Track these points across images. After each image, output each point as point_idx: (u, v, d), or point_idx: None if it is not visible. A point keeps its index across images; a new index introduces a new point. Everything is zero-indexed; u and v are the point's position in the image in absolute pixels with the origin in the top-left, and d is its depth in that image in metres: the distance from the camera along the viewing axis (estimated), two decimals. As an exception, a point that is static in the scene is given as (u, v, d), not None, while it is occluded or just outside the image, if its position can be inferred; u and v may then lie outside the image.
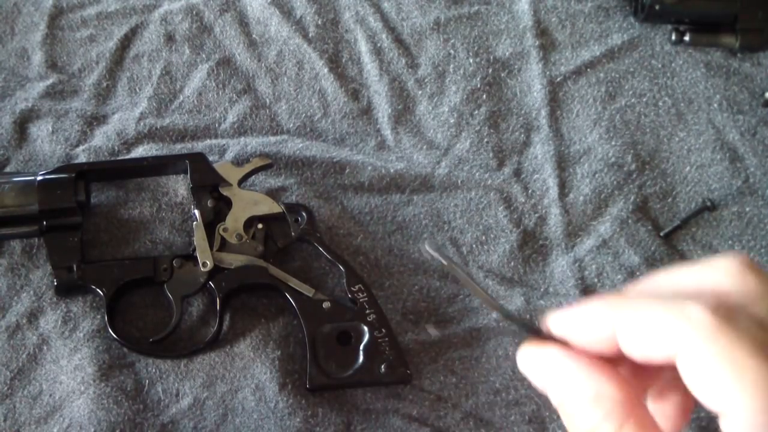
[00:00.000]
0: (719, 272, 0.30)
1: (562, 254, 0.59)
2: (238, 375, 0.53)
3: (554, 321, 0.31)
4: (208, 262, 0.52)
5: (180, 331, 0.53)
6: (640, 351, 0.29)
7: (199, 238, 0.53)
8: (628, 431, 0.28)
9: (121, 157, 0.58)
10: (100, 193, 0.57)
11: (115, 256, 0.55)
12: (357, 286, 0.53)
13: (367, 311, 0.52)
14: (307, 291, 0.53)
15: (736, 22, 0.66)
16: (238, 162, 0.57)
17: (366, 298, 0.52)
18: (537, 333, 0.31)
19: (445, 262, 0.31)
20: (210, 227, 0.53)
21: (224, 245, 0.53)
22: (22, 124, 0.59)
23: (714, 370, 0.27)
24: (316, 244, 0.54)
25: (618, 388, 0.29)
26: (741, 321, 0.27)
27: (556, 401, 0.30)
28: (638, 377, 0.32)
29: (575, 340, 0.30)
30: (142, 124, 0.60)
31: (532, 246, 0.59)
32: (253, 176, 0.57)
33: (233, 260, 0.53)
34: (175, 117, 0.61)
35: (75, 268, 0.52)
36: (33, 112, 0.60)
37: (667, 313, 0.28)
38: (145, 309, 0.55)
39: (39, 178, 0.53)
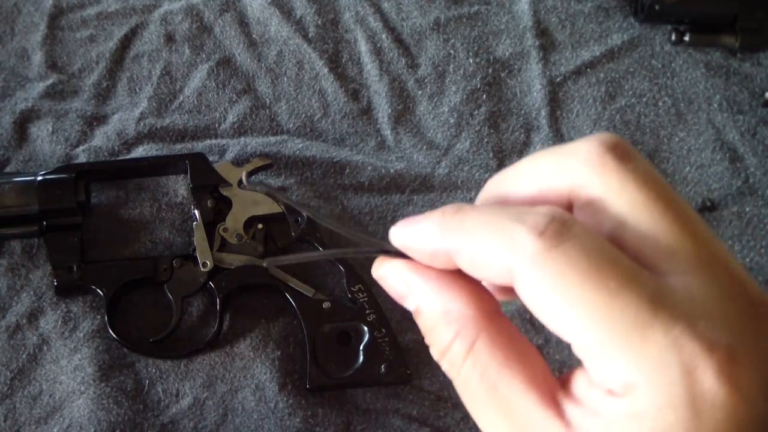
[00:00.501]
0: (579, 162, 0.26)
1: (562, 254, 0.59)
2: (238, 375, 0.53)
3: (395, 235, 0.29)
4: (208, 262, 0.52)
5: (180, 331, 0.53)
6: (479, 275, 0.26)
7: (199, 239, 0.53)
8: (480, 349, 0.26)
9: (121, 157, 0.58)
10: (100, 193, 0.57)
11: (115, 256, 0.55)
12: (357, 286, 0.52)
13: (367, 311, 0.52)
14: (307, 291, 0.53)
15: (736, 22, 0.66)
16: (238, 162, 0.57)
17: (366, 298, 0.52)
18: (387, 251, 0.29)
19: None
20: (210, 227, 0.53)
21: (224, 245, 0.53)
22: (22, 124, 0.59)
23: (547, 300, 0.24)
24: (316, 244, 0.54)
25: (467, 303, 0.27)
26: (577, 238, 0.24)
27: (415, 318, 0.28)
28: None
29: (417, 257, 0.28)
30: (142, 124, 0.60)
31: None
32: (254, 176, 0.57)
33: (233, 260, 0.53)
34: (175, 117, 0.61)
35: (75, 268, 0.52)
36: (33, 112, 0.60)
37: (496, 241, 0.25)
38: (145, 309, 0.55)
39: (39, 178, 0.53)
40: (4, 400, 0.52)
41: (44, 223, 0.52)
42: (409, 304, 0.28)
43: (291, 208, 0.54)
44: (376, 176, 0.59)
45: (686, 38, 0.66)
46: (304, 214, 0.54)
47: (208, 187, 0.54)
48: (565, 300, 0.24)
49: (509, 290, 0.26)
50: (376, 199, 0.59)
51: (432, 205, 0.59)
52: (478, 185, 0.60)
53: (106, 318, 0.52)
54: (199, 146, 0.59)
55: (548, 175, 0.28)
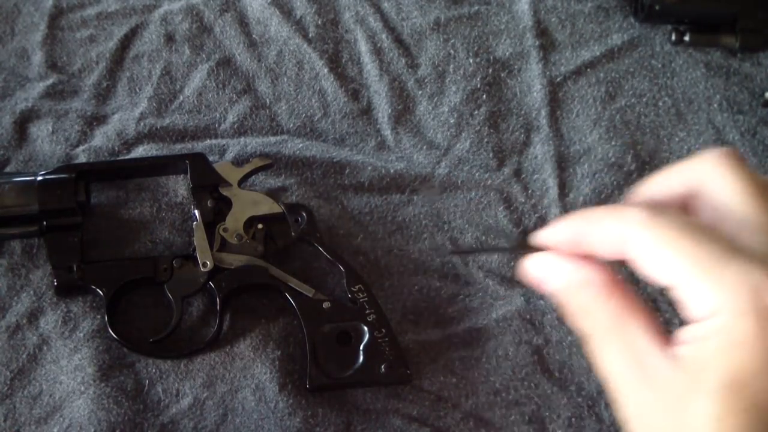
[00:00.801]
0: (701, 168, 0.36)
1: (562, 254, 0.59)
2: (238, 375, 0.53)
3: (542, 236, 0.38)
4: (208, 263, 0.52)
5: (180, 331, 0.53)
6: (600, 252, 0.36)
7: (199, 239, 0.52)
8: (615, 303, 0.34)
9: (121, 157, 0.58)
10: (100, 193, 0.57)
11: (115, 256, 0.55)
12: (357, 286, 0.52)
13: (367, 311, 0.52)
14: (307, 291, 0.52)
15: (736, 23, 0.66)
16: (238, 162, 0.57)
17: (366, 298, 0.52)
18: (530, 248, 0.38)
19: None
20: (210, 227, 0.53)
21: (224, 245, 0.53)
22: (22, 124, 0.59)
23: (653, 253, 0.33)
24: (316, 245, 0.54)
25: (599, 272, 0.35)
26: (674, 213, 0.34)
27: (556, 295, 0.37)
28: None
29: (561, 248, 0.37)
30: (142, 124, 0.60)
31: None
32: (254, 176, 0.57)
33: (233, 260, 0.53)
34: (175, 117, 0.61)
35: (75, 268, 0.52)
36: (33, 112, 0.60)
37: (613, 220, 0.35)
38: (146, 309, 0.55)
39: (39, 178, 0.53)
40: (4, 400, 0.52)
41: (44, 223, 0.52)
42: (553, 284, 0.37)
43: (291, 208, 0.54)
44: (376, 176, 0.59)
45: (686, 38, 0.66)
46: (303, 214, 0.54)
47: (208, 187, 0.54)
48: (668, 250, 0.32)
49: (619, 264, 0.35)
50: (376, 199, 0.59)
51: (432, 205, 0.59)
52: (478, 185, 0.60)
53: (106, 318, 0.52)
54: (200, 146, 0.59)
55: (675, 185, 0.37)
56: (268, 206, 0.54)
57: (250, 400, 0.52)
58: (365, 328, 0.52)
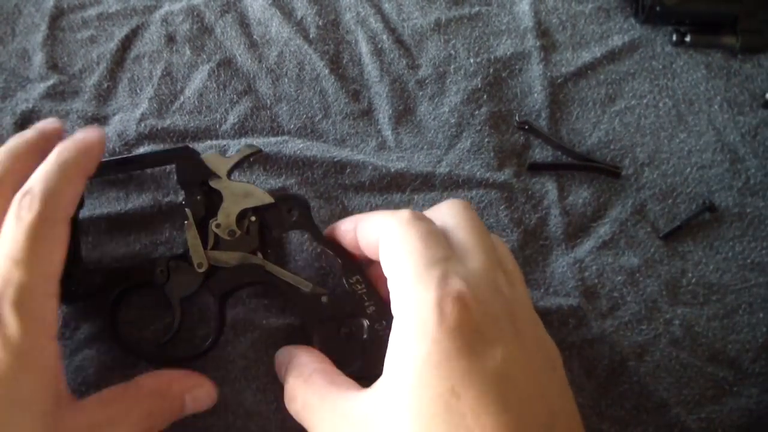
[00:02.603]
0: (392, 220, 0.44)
1: (562, 255, 0.59)
2: (240, 377, 0.53)
3: (338, 227, 0.50)
4: (203, 263, 0.51)
5: (182, 333, 0.53)
6: (367, 247, 0.47)
7: (192, 238, 0.51)
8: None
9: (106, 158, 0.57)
10: (101, 194, 0.57)
11: (114, 259, 0.54)
12: (354, 278, 0.50)
13: (366, 303, 0.50)
14: (305, 286, 0.51)
15: (737, 23, 0.66)
16: (224, 152, 0.57)
17: (364, 290, 0.50)
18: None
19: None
20: (202, 224, 0.52)
21: (218, 242, 0.52)
22: (23, 125, 0.59)
23: (383, 251, 0.43)
24: (311, 235, 0.52)
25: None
26: (430, 223, 0.44)
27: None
28: None
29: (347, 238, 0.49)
30: (143, 125, 0.60)
31: (532, 246, 0.59)
32: (255, 177, 0.57)
33: (228, 258, 0.51)
34: (176, 118, 0.61)
35: (73, 275, 0.51)
36: (34, 113, 0.60)
37: (380, 221, 0.45)
38: (148, 311, 0.54)
39: None
40: (5, 400, 0.52)
41: None
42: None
43: (283, 199, 0.52)
44: (377, 176, 0.59)
45: (687, 39, 0.66)
46: (296, 204, 0.52)
47: (197, 181, 0.52)
48: (393, 252, 0.42)
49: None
50: (377, 199, 0.59)
51: (432, 204, 0.59)
52: (479, 184, 0.60)
53: (109, 324, 0.51)
54: (200, 147, 0.59)
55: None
56: (260, 197, 0.52)
57: (252, 401, 0.52)
58: (365, 322, 0.50)
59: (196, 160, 0.53)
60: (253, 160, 0.58)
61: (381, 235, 0.44)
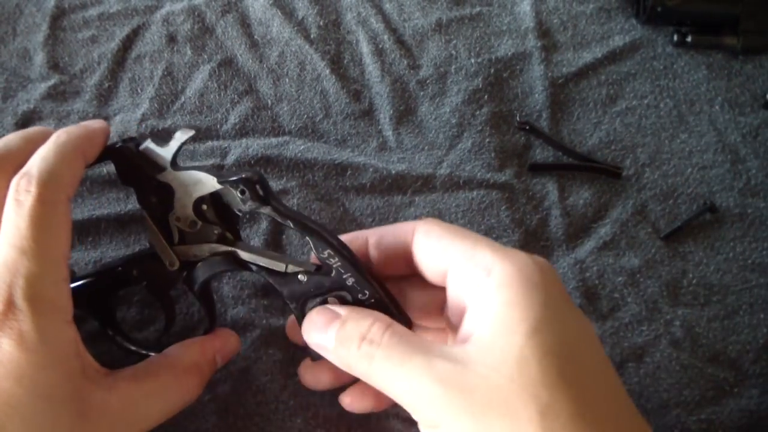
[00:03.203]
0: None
1: (563, 256, 0.59)
2: (239, 377, 0.53)
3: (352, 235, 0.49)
4: (173, 261, 0.49)
5: (175, 327, 0.53)
6: (395, 245, 0.46)
7: (155, 239, 0.49)
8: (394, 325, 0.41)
9: None
10: (101, 195, 0.57)
11: (113, 258, 0.54)
12: (326, 252, 0.46)
13: (344, 275, 0.46)
14: (278, 267, 0.48)
15: (738, 24, 0.66)
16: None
17: (339, 262, 0.46)
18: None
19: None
20: (162, 221, 0.49)
21: (183, 236, 0.49)
22: (24, 126, 0.59)
23: (427, 245, 0.45)
24: (271, 215, 0.47)
25: (356, 309, 0.44)
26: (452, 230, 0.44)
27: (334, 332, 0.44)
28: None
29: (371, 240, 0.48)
30: (143, 125, 0.60)
31: (533, 247, 0.59)
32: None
33: (197, 251, 0.49)
34: (177, 118, 0.61)
35: None
36: (35, 113, 0.60)
37: (403, 224, 0.47)
38: (138, 310, 0.55)
39: None
40: (6, 400, 0.52)
41: None
42: (336, 321, 0.44)
43: (233, 182, 0.47)
44: (378, 177, 0.59)
45: (688, 40, 0.66)
46: (246, 185, 0.47)
47: (143, 177, 0.48)
48: (439, 241, 0.44)
49: None
50: (378, 201, 0.59)
51: (433, 206, 0.59)
52: (480, 185, 0.60)
53: (104, 329, 0.51)
54: (201, 148, 0.59)
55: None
56: (210, 184, 0.47)
57: (251, 402, 0.52)
58: (347, 295, 0.47)
59: (132, 156, 0.48)
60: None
61: (413, 233, 0.46)
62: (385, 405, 0.49)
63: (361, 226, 0.58)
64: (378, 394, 0.46)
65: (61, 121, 0.59)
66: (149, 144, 0.48)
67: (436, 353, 0.38)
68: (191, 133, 0.48)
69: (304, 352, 0.50)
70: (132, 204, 0.57)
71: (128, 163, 0.48)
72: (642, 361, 0.57)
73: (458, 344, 0.39)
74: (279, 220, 0.47)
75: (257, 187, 0.46)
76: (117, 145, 0.48)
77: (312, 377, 0.50)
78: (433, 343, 0.39)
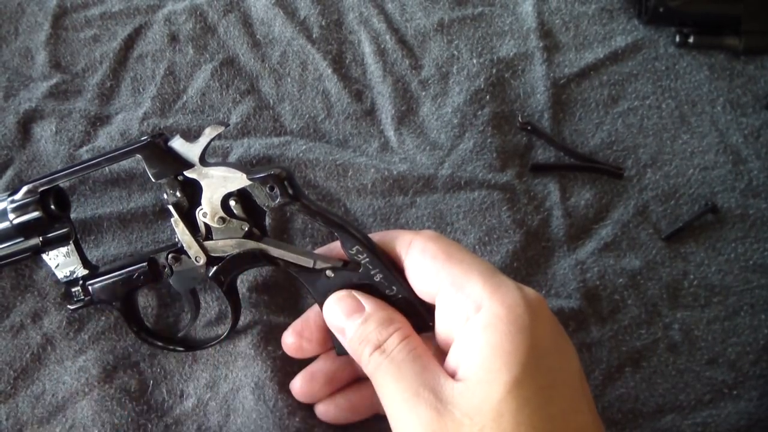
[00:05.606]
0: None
1: (564, 256, 0.59)
2: (240, 374, 0.53)
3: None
4: (200, 257, 0.49)
5: (198, 322, 0.53)
6: (399, 250, 0.47)
7: (182, 234, 0.49)
8: (412, 336, 0.44)
9: (76, 161, 0.55)
10: (103, 194, 0.57)
11: (115, 257, 0.55)
12: (355, 248, 0.47)
13: (372, 271, 0.47)
14: (306, 262, 0.48)
15: (740, 25, 0.66)
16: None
17: (367, 258, 0.47)
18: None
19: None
20: (189, 216, 0.49)
21: (210, 231, 0.49)
22: (26, 125, 0.59)
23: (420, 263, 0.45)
24: (299, 212, 0.49)
25: (380, 308, 0.46)
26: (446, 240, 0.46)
27: (353, 326, 0.46)
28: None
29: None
30: (145, 124, 0.60)
31: (534, 248, 0.59)
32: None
33: (225, 246, 0.49)
34: (179, 117, 0.61)
35: (80, 290, 0.50)
36: (37, 112, 0.60)
37: (406, 233, 0.47)
38: (160, 306, 0.55)
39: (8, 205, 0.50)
40: (8, 399, 0.52)
41: (40, 239, 0.50)
42: (359, 315, 0.46)
43: (263, 179, 0.48)
44: (379, 178, 0.59)
45: (690, 40, 0.66)
46: (275, 182, 0.48)
47: (171, 173, 0.49)
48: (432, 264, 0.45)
49: None
50: (379, 201, 0.59)
51: (435, 206, 0.59)
52: (481, 186, 0.60)
53: (126, 325, 0.51)
54: (203, 147, 0.59)
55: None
56: (238, 181, 0.48)
57: (250, 399, 0.52)
58: (376, 290, 0.48)
59: (163, 152, 0.49)
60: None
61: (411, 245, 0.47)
62: (359, 418, 0.52)
63: (362, 227, 0.58)
64: (353, 408, 0.51)
65: (62, 120, 0.59)
66: (178, 139, 0.49)
67: (428, 384, 0.41)
68: (221, 128, 0.49)
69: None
70: (134, 202, 0.57)
71: (157, 158, 0.49)
72: (639, 366, 0.57)
73: (445, 377, 0.41)
74: (308, 216, 0.48)
75: (286, 183, 0.47)
76: (146, 141, 0.49)
77: (303, 390, 0.52)
78: (429, 369, 0.42)
